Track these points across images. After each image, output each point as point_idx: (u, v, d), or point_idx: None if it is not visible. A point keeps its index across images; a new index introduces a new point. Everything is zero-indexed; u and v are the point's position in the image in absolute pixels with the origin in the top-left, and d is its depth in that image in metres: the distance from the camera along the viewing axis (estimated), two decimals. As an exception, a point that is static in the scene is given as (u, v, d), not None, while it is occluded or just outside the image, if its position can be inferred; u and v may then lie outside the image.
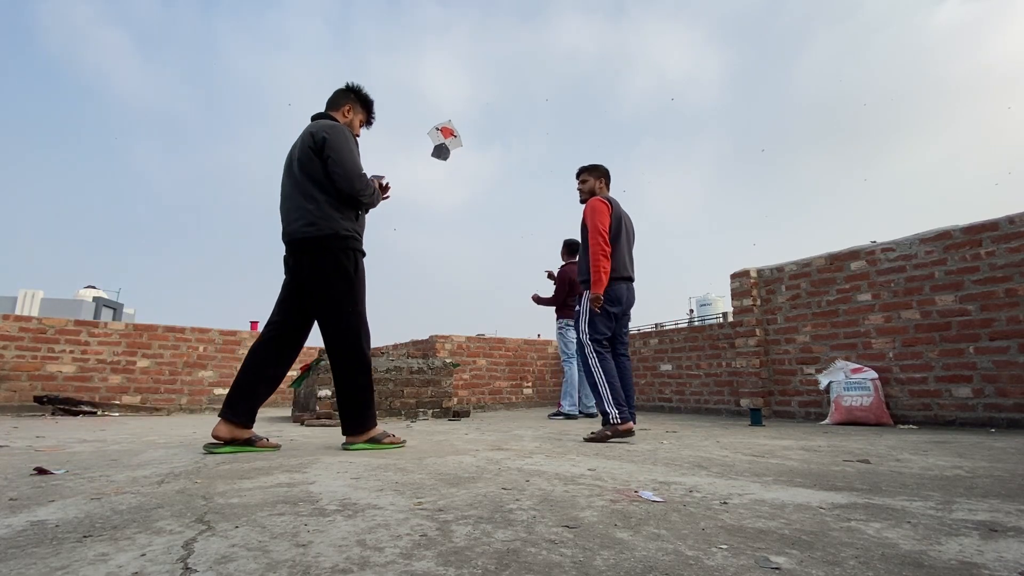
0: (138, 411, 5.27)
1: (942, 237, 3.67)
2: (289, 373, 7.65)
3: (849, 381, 3.88)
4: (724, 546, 0.94)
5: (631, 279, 3.12)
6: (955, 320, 3.56)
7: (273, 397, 7.97)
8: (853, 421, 3.76)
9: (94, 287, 21.00)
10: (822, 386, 4.09)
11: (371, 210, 2.60)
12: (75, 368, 5.14)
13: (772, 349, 4.70)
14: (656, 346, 6.03)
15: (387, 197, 2.66)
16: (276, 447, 2.34)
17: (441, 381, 4.79)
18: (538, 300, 5.42)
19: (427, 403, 4.68)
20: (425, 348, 6.77)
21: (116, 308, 19.00)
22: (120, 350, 5.36)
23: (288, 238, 2.40)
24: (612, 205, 3.07)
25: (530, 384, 7.11)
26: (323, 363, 4.23)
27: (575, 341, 5.14)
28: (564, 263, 5.28)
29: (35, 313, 16.44)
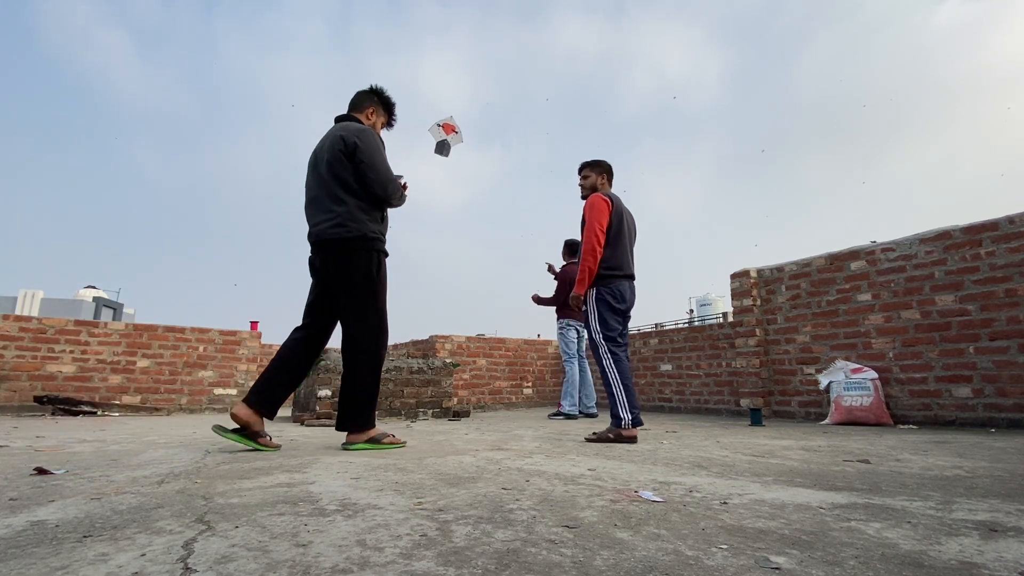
0: (138, 411, 5.27)
1: (942, 237, 3.67)
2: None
3: (849, 381, 3.88)
4: (724, 546, 0.94)
5: (633, 277, 3.09)
6: (955, 320, 3.56)
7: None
8: (853, 421, 3.76)
9: (94, 287, 21.00)
10: (822, 386, 4.09)
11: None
12: (75, 368, 5.14)
13: (772, 349, 4.70)
14: (656, 346, 6.03)
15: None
16: (277, 447, 2.35)
17: (441, 381, 4.79)
18: (539, 300, 5.42)
19: (427, 403, 4.68)
20: (425, 348, 6.77)
21: (116, 308, 19.00)
22: (120, 350, 5.36)
23: (315, 238, 2.44)
24: (613, 202, 3.03)
25: (530, 384, 7.11)
26: (323, 363, 4.24)
27: (575, 341, 5.14)
28: (565, 263, 5.28)
29: (35, 313, 16.44)
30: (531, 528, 1.05)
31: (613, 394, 2.81)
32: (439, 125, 3.15)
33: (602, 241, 2.96)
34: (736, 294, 4.97)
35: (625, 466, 1.89)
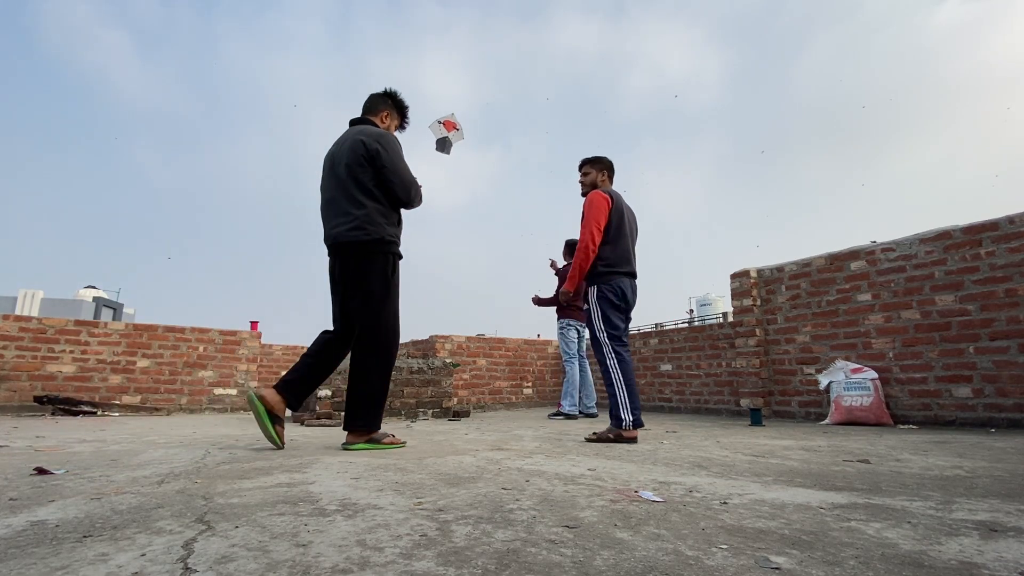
0: (138, 411, 5.27)
1: (942, 237, 3.67)
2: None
3: (849, 381, 3.88)
4: (724, 546, 0.94)
5: (634, 275, 3.04)
6: (955, 320, 3.56)
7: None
8: (853, 421, 3.76)
9: (94, 287, 21.01)
10: (822, 386, 4.09)
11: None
12: (75, 368, 5.14)
13: (772, 349, 4.70)
14: (656, 346, 6.03)
15: None
16: (281, 445, 2.37)
17: (441, 381, 4.79)
18: (539, 301, 5.41)
19: (427, 403, 4.68)
20: (425, 348, 6.77)
21: (116, 308, 19.01)
22: (120, 350, 5.36)
23: (332, 241, 2.47)
24: (613, 199, 2.99)
25: (530, 384, 7.11)
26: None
27: (575, 341, 5.14)
28: (566, 263, 5.28)
29: (35, 313, 16.44)
30: (531, 528, 1.05)
31: (615, 394, 2.78)
32: (440, 122, 3.12)
33: (598, 240, 2.93)
34: (736, 294, 4.97)
35: (625, 466, 1.89)
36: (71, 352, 5.15)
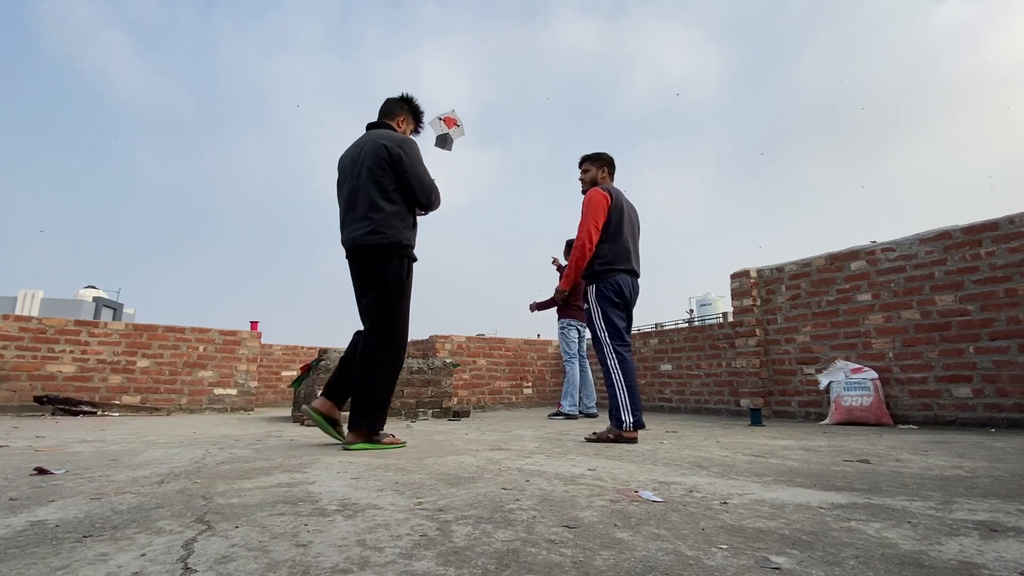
0: (138, 411, 5.27)
1: (942, 237, 3.67)
2: (289, 373, 7.63)
3: (849, 381, 3.88)
4: (724, 546, 0.94)
5: (635, 272, 3.00)
6: (955, 320, 3.56)
7: (274, 397, 7.99)
8: (853, 421, 3.76)
9: (94, 287, 21.01)
10: (822, 386, 4.09)
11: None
12: (75, 368, 5.14)
13: (772, 349, 4.70)
14: (656, 346, 6.03)
15: None
16: (341, 436, 2.53)
17: (441, 381, 4.79)
18: (536, 306, 5.38)
19: (427, 403, 4.68)
20: (425, 348, 6.77)
21: (116, 308, 19.00)
22: (120, 350, 5.36)
23: (350, 244, 2.51)
24: (612, 196, 2.97)
25: (530, 384, 7.11)
26: (323, 363, 4.24)
27: (576, 341, 5.14)
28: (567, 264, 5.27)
29: (35, 313, 16.44)
30: (531, 528, 1.05)
31: (615, 395, 2.77)
32: (440, 119, 3.11)
33: (595, 238, 2.90)
34: (736, 294, 4.97)
35: (625, 466, 1.89)
36: (71, 352, 5.14)
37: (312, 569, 0.82)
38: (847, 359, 4.07)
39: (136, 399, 5.34)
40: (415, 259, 2.59)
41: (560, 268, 5.32)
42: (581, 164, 3.20)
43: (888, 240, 3.99)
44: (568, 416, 4.82)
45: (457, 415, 4.73)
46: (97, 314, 17.58)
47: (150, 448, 2.38)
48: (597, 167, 3.16)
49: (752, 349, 4.75)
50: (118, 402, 5.23)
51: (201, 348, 5.75)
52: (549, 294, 5.36)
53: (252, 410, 5.94)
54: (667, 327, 10.34)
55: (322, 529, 1.04)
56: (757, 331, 4.75)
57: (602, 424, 3.50)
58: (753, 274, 4.87)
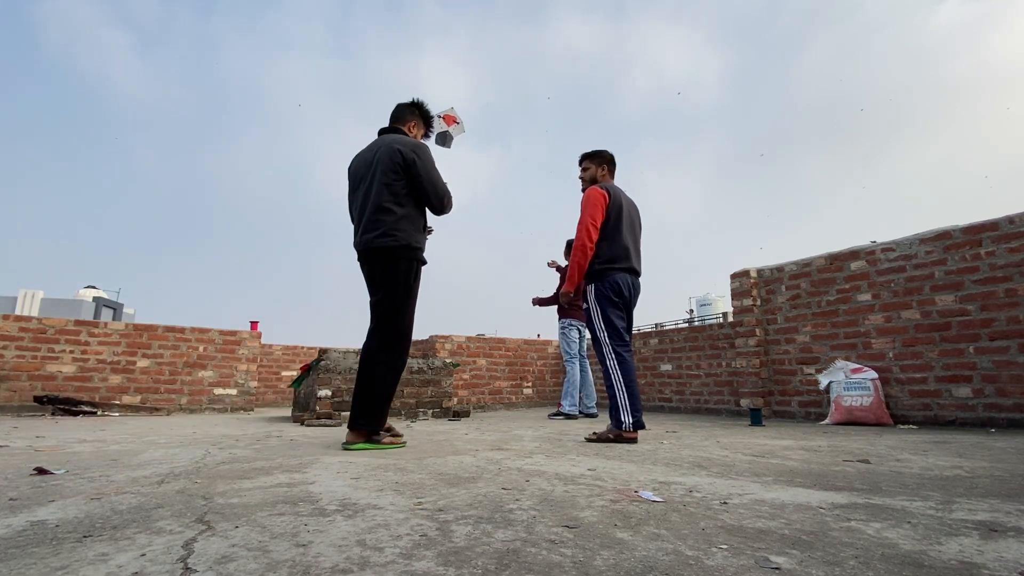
0: (138, 411, 5.27)
1: (942, 237, 3.66)
2: (289, 373, 7.61)
3: (849, 381, 3.88)
4: (724, 546, 0.94)
5: (634, 271, 2.97)
6: (955, 320, 3.56)
7: (274, 397, 7.99)
8: (853, 421, 3.76)
9: (94, 287, 21.01)
10: (822, 386, 4.09)
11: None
12: (75, 368, 5.14)
13: (772, 349, 4.69)
14: (656, 346, 6.03)
15: None
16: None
17: (441, 381, 4.79)
18: (538, 301, 5.39)
19: (427, 403, 4.68)
20: (425, 348, 6.77)
21: (116, 308, 19.00)
22: (120, 350, 5.36)
23: (362, 247, 2.54)
24: (611, 194, 2.94)
25: (530, 384, 7.10)
26: (323, 363, 4.24)
27: (577, 341, 5.14)
28: (568, 264, 5.26)
29: (35, 313, 16.44)
30: (531, 528, 1.05)
31: (615, 395, 2.76)
32: (440, 116, 3.10)
33: (594, 237, 2.89)
34: (736, 294, 4.97)
35: (625, 466, 1.89)
36: (71, 352, 5.14)
37: (312, 569, 0.82)
38: (847, 359, 4.06)
39: (136, 399, 5.34)
40: (424, 262, 2.62)
41: (560, 269, 5.31)
42: (581, 162, 3.18)
43: (888, 240, 3.99)
44: (568, 416, 4.82)
45: (457, 415, 4.73)
46: (97, 314, 17.58)
47: (150, 448, 2.38)
48: (596, 165, 3.14)
49: (752, 349, 4.75)
50: (118, 402, 5.23)
51: (201, 348, 5.74)
52: (551, 291, 5.36)
53: (252, 410, 5.94)
54: (667, 327, 10.34)
55: (322, 529, 1.04)
56: (757, 331, 4.75)
57: (602, 424, 3.50)
58: (753, 274, 4.87)
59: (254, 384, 6.00)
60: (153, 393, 5.43)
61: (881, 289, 3.97)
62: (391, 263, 2.50)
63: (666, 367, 5.85)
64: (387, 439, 2.44)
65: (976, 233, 3.51)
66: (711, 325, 5.82)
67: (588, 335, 4.20)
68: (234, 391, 5.82)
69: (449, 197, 2.65)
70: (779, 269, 4.70)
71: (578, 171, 3.21)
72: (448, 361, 4.94)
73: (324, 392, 4.14)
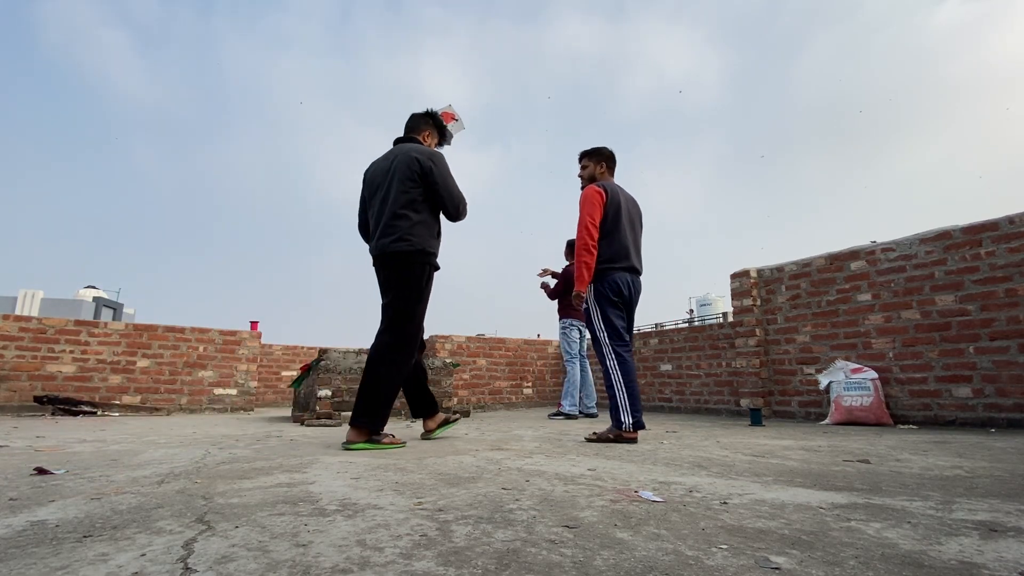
0: (138, 411, 5.27)
1: (942, 237, 3.66)
2: (289, 373, 7.62)
3: (849, 381, 3.88)
4: (724, 546, 0.94)
5: (635, 270, 2.94)
6: (955, 320, 3.56)
7: (274, 397, 7.99)
8: (853, 421, 3.76)
9: (94, 287, 21.01)
10: (822, 386, 4.09)
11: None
12: (75, 368, 5.14)
13: (772, 349, 4.69)
14: (656, 346, 6.03)
15: None
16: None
17: (441, 381, 4.79)
18: (551, 291, 5.28)
19: (427, 403, 4.67)
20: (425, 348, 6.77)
21: (116, 308, 19.00)
22: (120, 350, 5.36)
23: (377, 252, 2.58)
24: (609, 192, 2.92)
25: (530, 384, 7.10)
26: (323, 363, 4.24)
27: (577, 341, 5.14)
28: (568, 263, 5.26)
29: (35, 313, 16.44)
30: (531, 528, 1.05)
31: (615, 396, 2.75)
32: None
33: (594, 235, 2.86)
34: (736, 294, 4.97)
35: (625, 466, 1.89)
36: (71, 352, 5.14)
37: (312, 569, 0.82)
38: (847, 359, 4.06)
39: (136, 399, 5.34)
40: (437, 267, 2.66)
41: (556, 276, 5.25)
42: (580, 160, 3.16)
43: (888, 240, 3.99)
44: (568, 416, 4.82)
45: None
46: (97, 314, 17.58)
47: (150, 448, 2.38)
48: (595, 163, 3.11)
49: (752, 349, 4.75)
50: (118, 402, 5.23)
51: (201, 348, 5.74)
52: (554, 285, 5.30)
53: (252, 410, 5.94)
54: (667, 327, 10.34)
55: (322, 529, 1.04)
56: (757, 331, 4.75)
57: (602, 424, 3.50)
58: (753, 274, 4.87)
59: (254, 384, 6.00)
60: (153, 393, 5.43)
61: (881, 289, 3.97)
62: (406, 267, 2.54)
63: (666, 367, 5.85)
64: (387, 439, 2.44)
65: (976, 233, 3.51)
66: (711, 325, 5.82)
67: (588, 335, 4.19)
68: (234, 391, 5.82)
69: (465, 204, 2.71)
70: (779, 269, 4.70)
71: (577, 169, 3.20)
72: (448, 361, 4.94)
73: (324, 392, 4.14)
